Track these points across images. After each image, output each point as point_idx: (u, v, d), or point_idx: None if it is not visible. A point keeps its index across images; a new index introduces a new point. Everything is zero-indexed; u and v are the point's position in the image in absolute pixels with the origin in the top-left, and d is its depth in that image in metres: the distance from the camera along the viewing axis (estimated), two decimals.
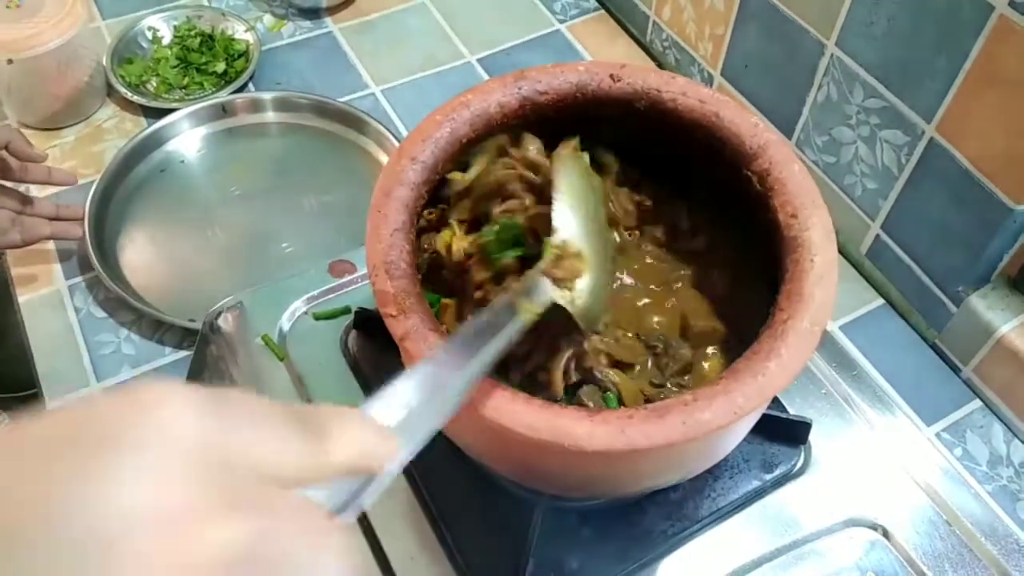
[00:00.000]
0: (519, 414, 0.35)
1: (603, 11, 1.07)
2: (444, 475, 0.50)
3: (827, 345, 0.61)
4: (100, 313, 0.77)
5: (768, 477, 0.51)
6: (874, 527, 0.51)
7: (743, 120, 0.45)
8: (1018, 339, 0.70)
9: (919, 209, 0.74)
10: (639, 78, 0.46)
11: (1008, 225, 0.67)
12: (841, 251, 0.85)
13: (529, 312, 0.35)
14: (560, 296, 0.37)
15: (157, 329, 0.75)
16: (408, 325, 0.38)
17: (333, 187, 0.85)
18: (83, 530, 0.19)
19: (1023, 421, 0.72)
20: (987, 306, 0.72)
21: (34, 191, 0.82)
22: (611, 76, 0.47)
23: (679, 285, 0.46)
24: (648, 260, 0.47)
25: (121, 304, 0.76)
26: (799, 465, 0.53)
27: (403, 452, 0.28)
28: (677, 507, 0.50)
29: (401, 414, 0.29)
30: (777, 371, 0.36)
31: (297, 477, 0.23)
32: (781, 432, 0.52)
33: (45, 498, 0.19)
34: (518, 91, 0.46)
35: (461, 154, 0.45)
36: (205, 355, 0.59)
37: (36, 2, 0.83)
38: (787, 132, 0.85)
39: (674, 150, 0.46)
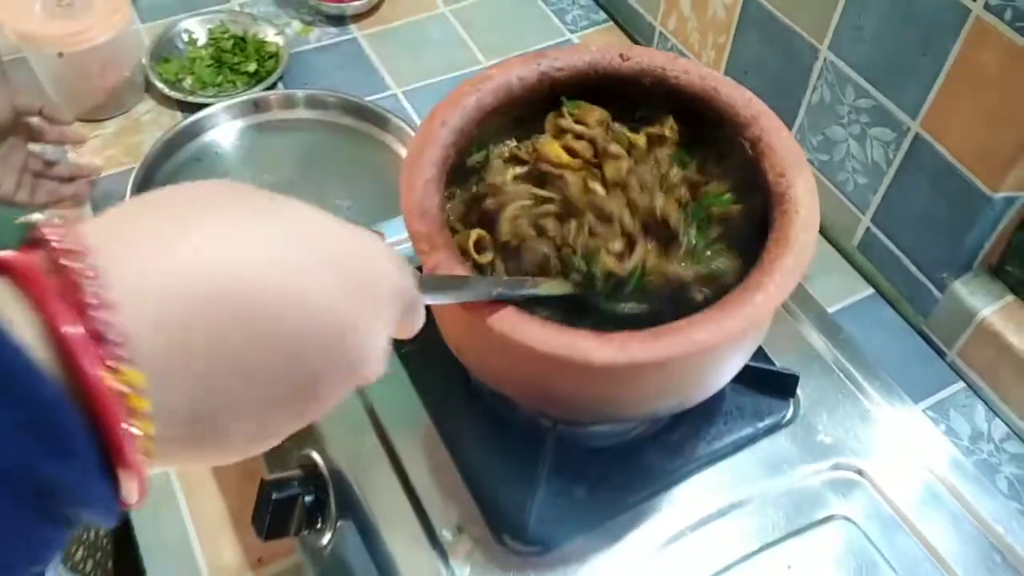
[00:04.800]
0: (536, 332, 0.40)
1: (611, 23, 1.13)
2: (463, 415, 0.55)
3: (819, 316, 0.66)
4: None
5: (760, 425, 0.56)
6: (858, 471, 0.55)
7: (739, 94, 0.50)
8: (998, 322, 0.75)
9: (906, 201, 0.79)
10: (646, 57, 0.52)
11: (987, 213, 0.72)
12: (834, 244, 0.90)
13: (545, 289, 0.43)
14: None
15: None
16: (438, 258, 0.43)
17: (357, 178, 0.91)
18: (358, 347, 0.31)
19: (1003, 400, 0.76)
20: (969, 292, 0.77)
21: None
22: (620, 56, 0.52)
23: None
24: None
25: None
26: (788, 416, 0.57)
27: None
28: (676, 448, 0.54)
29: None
30: (764, 301, 0.41)
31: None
32: (771, 384, 0.57)
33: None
34: (537, 67, 0.52)
35: (485, 121, 0.51)
36: None
37: (85, 2, 0.90)
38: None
39: (676, 121, 0.52)
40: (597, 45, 0.52)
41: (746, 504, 0.54)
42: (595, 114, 0.51)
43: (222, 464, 0.32)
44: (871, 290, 0.86)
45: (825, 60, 0.82)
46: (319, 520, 0.56)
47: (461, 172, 0.52)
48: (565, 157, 0.49)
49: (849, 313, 0.84)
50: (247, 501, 0.66)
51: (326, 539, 0.56)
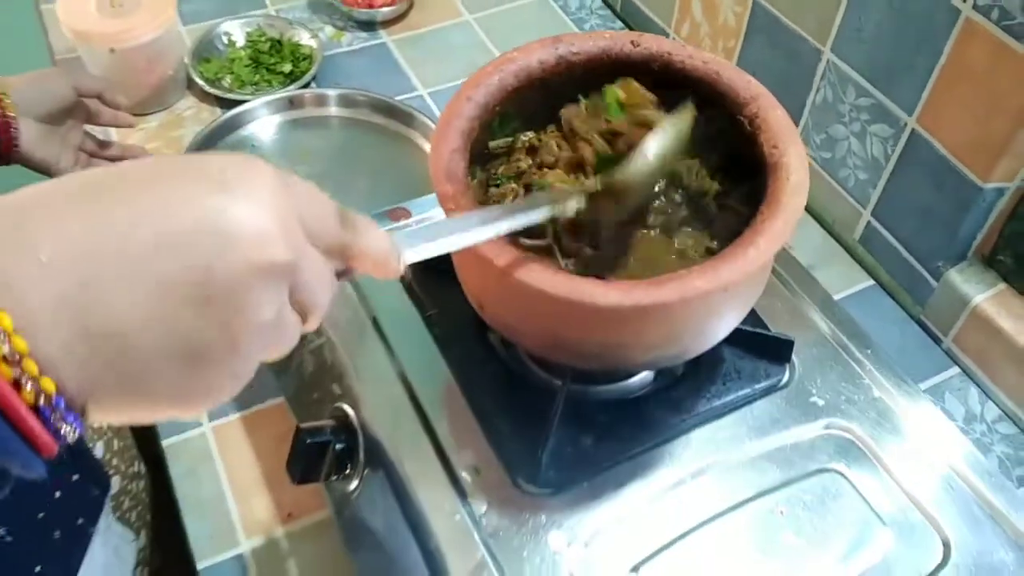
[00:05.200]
0: (550, 279, 0.45)
1: (627, 30, 1.18)
2: (482, 373, 0.60)
3: (819, 296, 0.70)
4: None
5: (757, 387, 0.60)
6: (848, 431, 0.60)
7: (738, 76, 0.55)
8: (990, 309, 0.79)
9: (904, 195, 0.84)
10: (654, 44, 0.57)
11: (979, 203, 0.76)
12: (836, 238, 0.95)
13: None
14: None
15: None
16: (456, 199, 0.48)
17: (384, 170, 0.97)
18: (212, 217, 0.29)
19: (995, 384, 0.80)
20: (963, 280, 0.81)
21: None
22: (631, 42, 0.57)
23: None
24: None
25: None
26: (784, 380, 0.62)
27: (402, 265, 0.38)
28: (678, 404, 0.59)
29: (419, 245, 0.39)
30: (755, 255, 0.46)
31: (326, 245, 0.33)
32: (767, 349, 0.61)
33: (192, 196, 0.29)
34: (555, 51, 0.57)
35: (507, 99, 0.56)
36: None
37: (134, 3, 0.96)
38: None
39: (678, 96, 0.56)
40: (610, 33, 0.57)
41: (742, 457, 0.58)
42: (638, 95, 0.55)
43: (177, 414, 0.32)
44: (871, 281, 0.90)
45: (828, 61, 0.87)
46: (348, 467, 0.60)
47: (483, 154, 0.58)
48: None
49: (850, 303, 0.87)
50: (279, 462, 0.71)
51: (353, 485, 0.60)
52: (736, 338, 0.61)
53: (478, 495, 0.55)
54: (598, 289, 0.45)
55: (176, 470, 0.74)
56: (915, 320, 0.87)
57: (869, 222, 0.89)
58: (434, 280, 0.65)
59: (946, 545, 0.55)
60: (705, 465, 0.57)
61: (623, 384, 0.60)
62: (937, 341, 0.85)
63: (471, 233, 0.41)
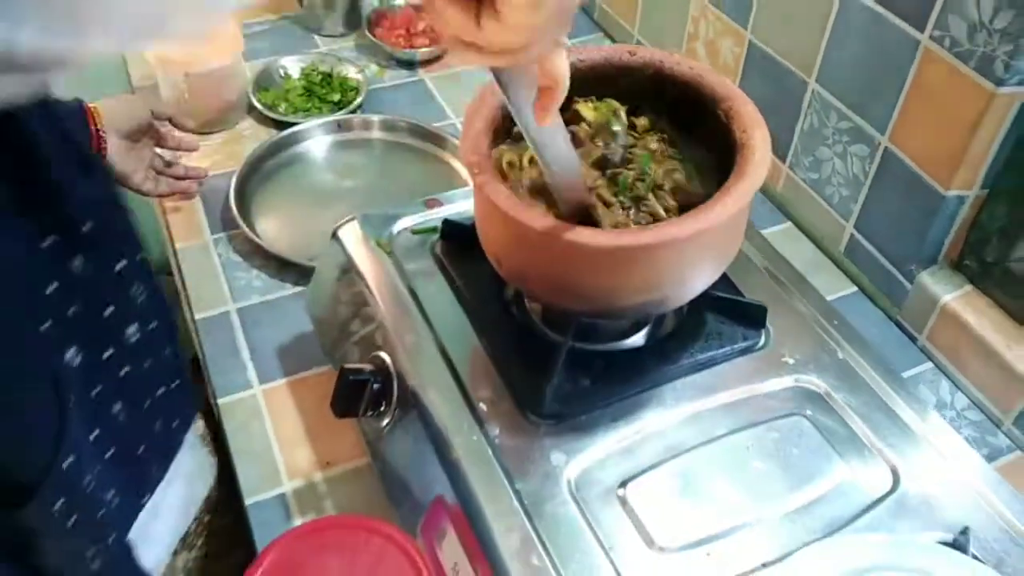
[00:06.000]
0: (557, 226, 0.56)
1: (625, 44, 1.31)
2: (498, 326, 0.71)
3: (796, 279, 0.80)
4: (236, 258, 1.00)
5: (735, 347, 0.70)
6: (815, 385, 0.69)
7: (717, 79, 0.67)
8: (958, 307, 0.88)
9: (881, 207, 0.94)
10: (648, 54, 0.69)
11: (944, 209, 0.86)
12: (824, 251, 1.05)
13: None
14: None
15: (280, 270, 0.97)
16: (485, 176, 0.59)
17: (419, 184, 1.09)
18: None
19: (964, 376, 0.88)
20: (934, 282, 0.90)
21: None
22: (628, 52, 0.69)
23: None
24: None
25: (254, 251, 0.99)
26: (761, 343, 0.71)
27: None
28: (666, 356, 0.68)
29: None
30: (721, 210, 0.57)
31: None
32: (745, 314, 0.71)
33: None
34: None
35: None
36: (328, 262, 0.81)
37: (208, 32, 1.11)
38: (782, 157, 1.06)
39: (670, 100, 0.68)
40: (610, 46, 0.69)
41: (720, 402, 0.67)
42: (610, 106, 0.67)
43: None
44: (855, 288, 1.00)
45: (813, 91, 0.98)
46: (383, 405, 0.70)
47: (506, 136, 0.69)
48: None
49: (835, 306, 0.97)
50: (319, 420, 0.82)
51: (385, 421, 0.70)
52: (718, 304, 0.72)
53: (492, 421, 0.65)
54: (590, 234, 0.56)
55: (229, 424, 0.84)
56: (893, 321, 0.96)
57: (852, 234, 0.99)
58: (459, 255, 0.76)
59: (895, 475, 0.63)
60: (687, 407, 0.67)
61: (619, 342, 0.70)
62: (913, 339, 0.94)
63: None
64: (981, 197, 0.85)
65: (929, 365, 0.92)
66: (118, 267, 0.62)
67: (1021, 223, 0.83)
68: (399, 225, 0.80)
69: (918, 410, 0.68)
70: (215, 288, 0.96)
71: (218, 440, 0.85)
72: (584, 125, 0.65)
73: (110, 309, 0.61)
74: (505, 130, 0.66)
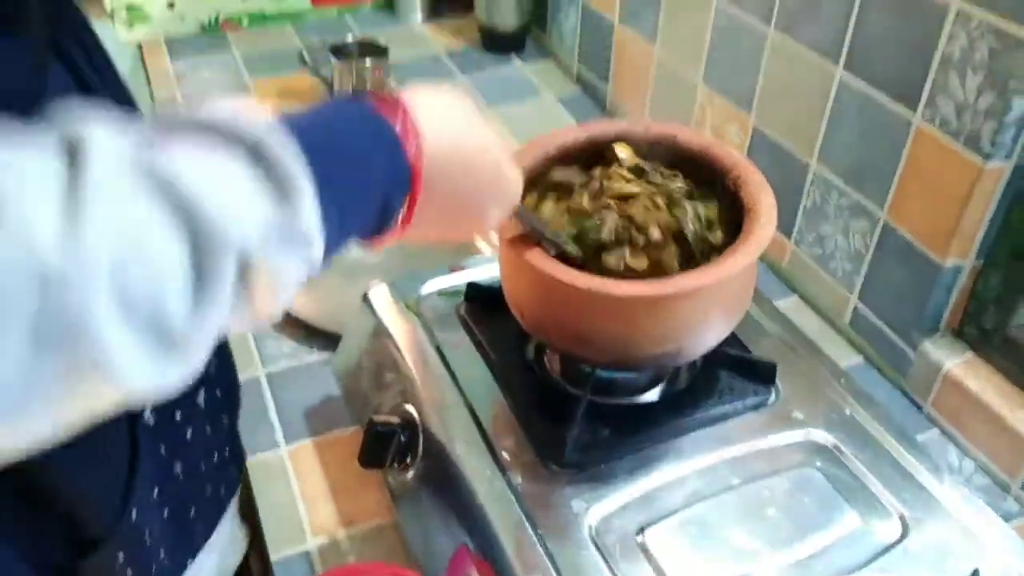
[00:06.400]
0: (577, 277, 0.61)
1: (641, 119, 1.38)
2: (520, 380, 0.74)
3: (805, 341, 0.83)
4: (266, 327, 1.04)
5: (748, 402, 0.73)
6: (823, 439, 0.72)
7: (725, 151, 0.72)
8: (960, 373, 0.91)
9: (883, 278, 0.98)
10: (661, 128, 0.75)
11: (942, 278, 0.90)
12: (830, 323, 1.08)
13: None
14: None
15: (308, 338, 1.02)
16: (511, 232, 0.64)
17: (443, 258, 1.13)
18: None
19: (970, 442, 0.91)
20: (936, 349, 0.93)
21: None
22: (644, 127, 0.75)
23: None
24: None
25: (283, 321, 1.03)
26: (771, 400, 0.74)
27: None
28: (682, 410, 0.72)
29: None
30: (730, 265, 0.61)
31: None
32: (754, 371, 0.74)
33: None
34: (585, 132, 0.75)
35: (548, 161, 0.73)
36: (358, 323, 0.85)
37: None
38: (787, 234, 1.11)
39: (683, 170, 0.73)
40: (628, 121, 0.75)
41: (734, 454, 0.70)
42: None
43: (439, 237, 0.56)
44: (860, 357, 1.03)
45: (815, 171, 1.04)
46: (408, 457, 0.73)
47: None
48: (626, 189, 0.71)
49: None
50: (343, 479, 0.85)
51: (411, 473, 0.73)
52: (729, 362, 0.75)
53: (515, 470, 0.68)
54: (613, 283, 0.60)
55: (257, 482, 0.87)
56: (899, 389, 0.99)
57: (856, 306, 1.03)
58: (483, 316, 0.80)
59: (904, 524, 0.66)
60: (702, 459, 0.69)
61: (636, 397, 0.74)
62: (919, 407, 0.96)
63: None
64: (977, 267, 0.89)
65: (936, 431, 0.94)
66: None
67: (1016, 291, 0.87)
68: (426, 289, 0.85)
69: (925, 463, 0.70)
70: (245, 354, 1.00)
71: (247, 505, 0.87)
72: (619, 167, 0.71)
73: None
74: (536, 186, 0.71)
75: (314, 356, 1.00)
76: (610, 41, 1.46)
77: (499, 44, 1.67)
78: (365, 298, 0.84)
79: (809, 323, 1.08)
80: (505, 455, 0.68)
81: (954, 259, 0.89)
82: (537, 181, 0.72)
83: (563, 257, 0.64)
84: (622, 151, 0.71)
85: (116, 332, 0.32)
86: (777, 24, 1.06)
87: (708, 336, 0.66)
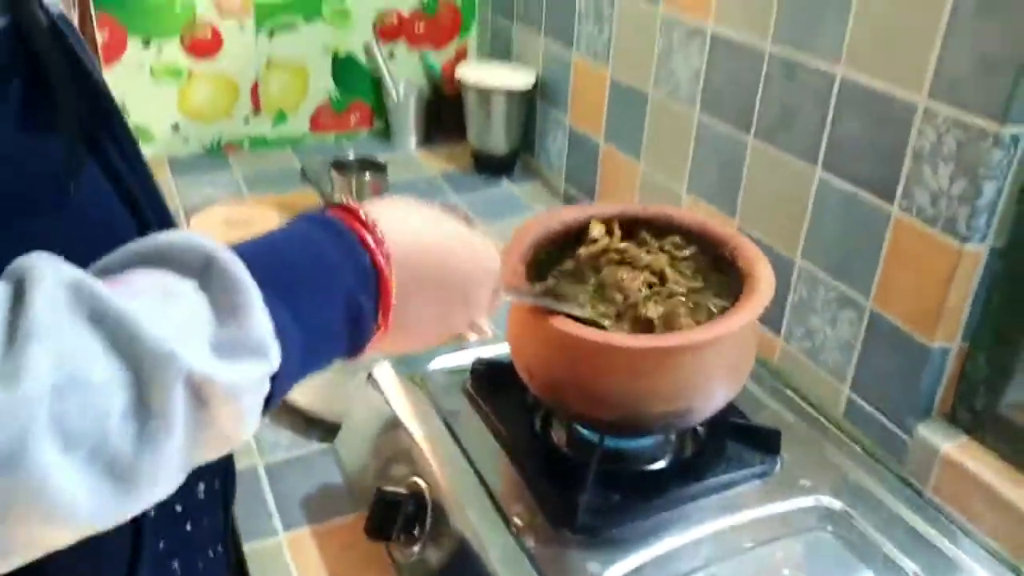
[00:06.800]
0: (587, 332, 0.63)
1: (638, 202, 1.43)
2: (528, 449, 0.75)
3: (809, 416, 0.85)
4: (264, 419, 1.03)
5: (755, 469, 0.74)
6: (829, 503, 0.72)
7: (719, 226, 0.77)
8: (957, 454, 0.92)
9: (873, 366, 1.01)
10: (658, 207, 0.79)
11: (931, 361, 0.93)
12: (823, 415, 1.10)
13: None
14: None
15: (306, 428, 1.01)
16: (516, 282, 0.67)
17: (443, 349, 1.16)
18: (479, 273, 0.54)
19: (973, 524, 0.91)
20: (931, 432, 0.95)
21: None
22: (643, 208, 0.80)
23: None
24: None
25: (280, 412, 1.03)
26: (777, 468, 0.75)
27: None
28: (690, 478, 0.72)
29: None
30: (730, 323, 0.64)
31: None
32: (759, 439, 0.75)
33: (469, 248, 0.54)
34: (584, 212, 0.79)
35: (548, 240, 0.77)
36: (362, 401, 0.86)
37: (263, 220, 1.22)
38: (776, 331, 1.15)
39: (683, 243, 0.77)
40: (625, 201, 0.79)
41: (743, 519, 0.70)
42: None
43: (407, 348, 0.54)
44: (857, 447, 1.04)
45: (800, 268, 1.09)
46: (416, 529, 0.72)
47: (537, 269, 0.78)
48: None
49: None
50: (341, 567, 0.82)
51: (417, 547, 0.72)
52: (735, 430, 0.77)
53: (527, 534, 0.67)
54: (621, 338, 0.62)
55: (255, 570, 0.84)
56: (897, 476, 0.99)
57: (849, 397, 1.05)
58: (489, 390, 0.81)
59: None
60: (713, 524, 0.69)
61: (644, 466, 0.74)
62: (919, 493, 0.97)
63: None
64: (964, 349, 0.92)
65: (938, 517, 0.94)
66: None
67: (1003, 372, 0.89)
68: (431, 366, 0.86)
69: (937, 525, 0.71)
70: (243, 445, 0.99)
71: None
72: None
73: None
74: (536, 264, 0.74)
75: (313, 446, 1.00)
76: (596, 160, 1.54)
77: (490, 167, 1.76)
78: (370, 377, 0.85)
79: (804, 417, 1.10)
80: (517, 520, 0.68)
81: (941, 341, 0.92)
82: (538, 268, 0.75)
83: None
84: (595, 228, 0.75)
85: (57, 462, 0.32)
86: (757, 133, 1.14)
87: (715, 395, 0.68)
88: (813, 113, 1.03)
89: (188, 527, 0.63)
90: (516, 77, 1.66)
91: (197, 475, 0.64)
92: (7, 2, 0.44)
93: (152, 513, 0.57)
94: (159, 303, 0.37)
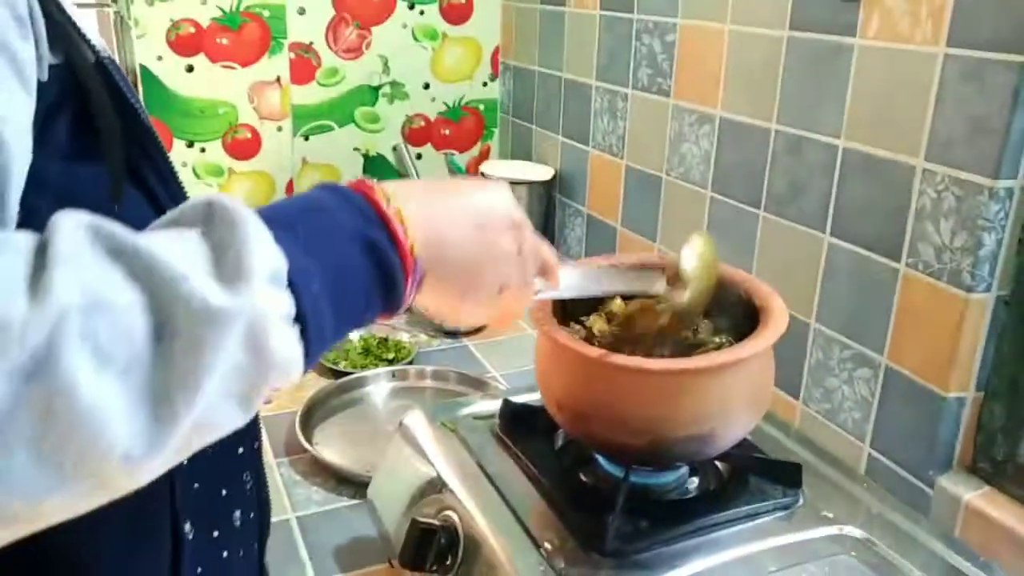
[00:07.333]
0: (617, 357, 0.67)
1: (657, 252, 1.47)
2: (558, 486, 0.77)
3: (828, 453, 0.87)
4: (297, 477, 1.07)
5: (778, 502, 0.76)
6: (852, 533, 0.74)
7: (730, 270, 0.81)
8: (980, 504, 0.93)
9: (891, 421, 1.03)
10: (674, 257, 0.84)
11: (948, 411, 0.95)
12: (847, 474, 1.11)
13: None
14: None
15: (337, 486, 1.04)
16: (548, 325, 0.72)
17: None
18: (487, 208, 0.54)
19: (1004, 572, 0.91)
20: (953, 484, 0.96)
21: None
22: (659, 257, 0.85)
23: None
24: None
25: (313, 471, 1.06)
26: (800, 502, 0.77)
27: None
28: (716, 507, 0.74)
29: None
30: (754, 345, 0.68)
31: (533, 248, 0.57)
32: (781, 473, 0.78)
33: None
34: (607, 262, 0.84)
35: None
36: (394, 447, 0.89)
37: None
38: (795, 395, 1.17)
39: None
40: (643, 254, 0.85)
41: (768, 546, 0.72)
42: None
43: (463, 296, 0.53)
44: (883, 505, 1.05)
45: (815, 330, 1.13)
46: (448, 560, 0.74)
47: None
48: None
49: None
50: None
51: None
52: (756, 465, 0.79)
53: (557, 557, 0.69)
54: (648, 360, 0.67)
55: None
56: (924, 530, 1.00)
57: (870, 454, 1.07)
58: (518, 432, 0.85)
59: None
60: (739, 550, 0.71)
61: (670, 496, 0.77)
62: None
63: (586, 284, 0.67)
64: (979, 398, 0.95)
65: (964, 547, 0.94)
66: (240, 450, 0.65)
67: (1020, 421, 0.92)
68: (461, 413, 0.90)
69: (961, 551, 0.72)
70: (276, 499, 1.02)
71: None
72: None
73: (224, 491, 0.63)
74: (561, 307, 0.79)
75: (344, 502, 1.02)
76: (614, 243, 1.61)
77: None
78: (401, 424, 0.88)
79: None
80: (547, 545, 0.70)
81: (956, 391, 0.95)
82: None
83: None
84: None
85: (90, 378, 0.32)
86: (767, 207, 1.20)
87: (737, 420, 0.71)
88: (819, 183, 1.10)
89: (225, 555, 0.65)
90: (536, 171, 1.75)
91: (233, 503, 0.66)
92: (64, 43, 0.48)
93: (191, 535, 0.59)
94: (172, 241, 0.39)
